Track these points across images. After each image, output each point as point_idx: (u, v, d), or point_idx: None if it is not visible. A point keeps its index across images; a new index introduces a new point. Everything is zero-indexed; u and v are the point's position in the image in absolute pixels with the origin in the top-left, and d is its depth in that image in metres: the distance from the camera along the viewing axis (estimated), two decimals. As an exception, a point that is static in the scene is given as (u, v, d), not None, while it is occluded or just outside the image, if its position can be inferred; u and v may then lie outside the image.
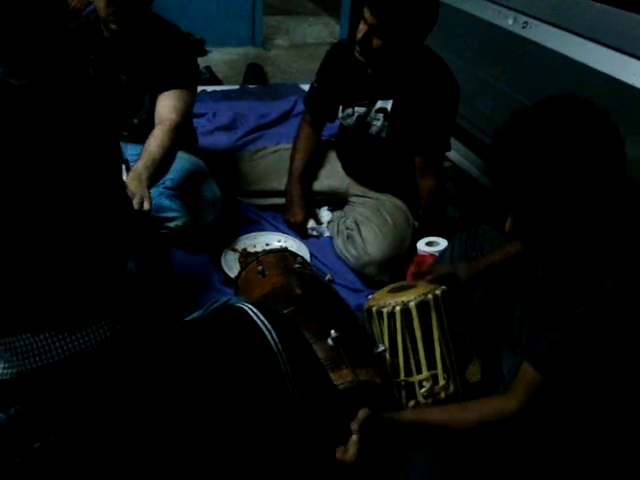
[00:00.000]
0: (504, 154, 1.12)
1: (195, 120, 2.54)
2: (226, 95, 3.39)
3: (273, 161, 2.43)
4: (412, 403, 1.47)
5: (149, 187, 1.68)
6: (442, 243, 1.99)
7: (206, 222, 2.10)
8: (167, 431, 0.57)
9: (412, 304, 1.50)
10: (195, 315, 0.75)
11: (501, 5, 2.46)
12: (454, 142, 2.49)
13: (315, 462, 0.70)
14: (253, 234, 2.21)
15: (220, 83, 3.80)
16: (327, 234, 2.29)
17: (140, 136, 1.92)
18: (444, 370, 1.48)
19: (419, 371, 1.49)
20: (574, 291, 1.15)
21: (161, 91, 1.95)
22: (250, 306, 0.70)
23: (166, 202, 1.97)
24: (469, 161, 2.86)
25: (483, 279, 1.60)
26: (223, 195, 2.20)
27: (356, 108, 2.10)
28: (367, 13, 1.82)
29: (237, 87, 3.63)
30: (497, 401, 1.22)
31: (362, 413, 1.06)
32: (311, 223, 2.28)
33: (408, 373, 1.49)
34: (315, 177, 2.33)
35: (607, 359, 1.13)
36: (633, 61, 1.82)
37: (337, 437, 0.80)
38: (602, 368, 1.14)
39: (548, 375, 1.14)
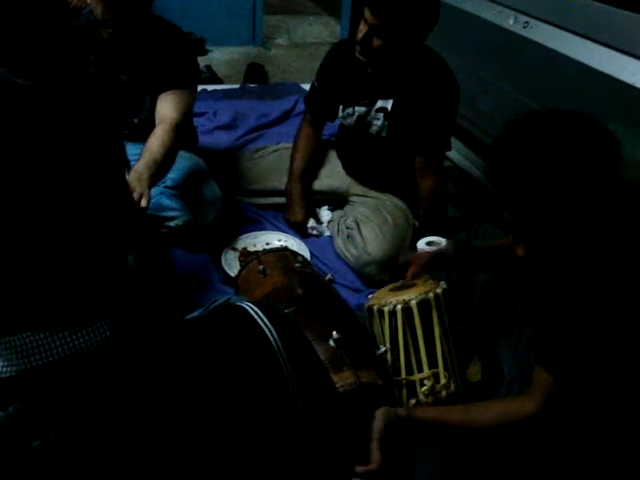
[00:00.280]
0: (501, 172, 1.14)
1: (195, 119, 2.54)
2: (227, 94, 3.38)
3: (273, 160, 2.43)
4: (413, 402, 1.47)
5: (150, 186, 1.68)
6: (442, 243, 1.99)
7: (206, 221, 2.10)
8: (167, 430, 0.57)
9: (413, 302, 1.50)
10: (195, 314, 0.75)
11: (502, 5, 2.46)
12: (454, 142, 2.48)
13: (315, 462, 0.70)
14: (253, 233, 2.21)
15: (221, 82, 3.80)
16: (327, 233, 2.29)
17: (141, 136, 1.92)
18: (445, 369, 1.48)
19: (420, 369, 1.49)
20: (572, 294, 1.16)
21: (161, 91, 1.95)
22: (251, 305, 0.70)
23: (166, 201, 1.97)
24: (469, 161, 2.86)
25: (477, 262, 1.60)
26: (223, 194, 2.20)
27: (356, 108, 2.10)
28: (367, 13, 1.82)
29: (237, 86, 3.62)
30: (516, 403, 1.22)
31: (380, 418, 1.06)
32: (311, 222, 2.29)
33: (409, 371, 1.50)
34: (315, 176, 2.33)
35: (617, 359, 1.13)
36: (633, 61, 1.82)
37: (339, 438, 0.80)
38: (611, 369, 1.14)
39: (558, 377, 1.14)
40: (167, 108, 1.92)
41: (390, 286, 1.69)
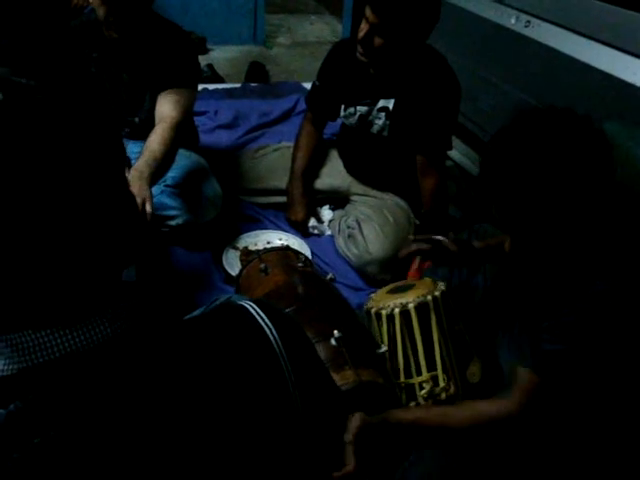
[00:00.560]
0: (493, 175, 1.14)
1: (196, 118, 2.54)
2: (228, 93, 3.38)
3: (275, 159, 2.43)
4: (412, 405, 1.47)
5: (150, 185, 1.68)
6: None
7: (207, 220, 2.10)
8: (167, 428, 0.57)
9: (411, 306, 1.48)
10: (196, 313, 0.75)
11: (504, 4, 2.46)
12: (456, 141, 2.49)
13: (315, 461, 0.70)
14: (254, 232, 2.21)
15: (222, 81, 3.80)
16: (328, 233, 2.29)
17: (141, 134, 1.92)
18: (444, 371, 1.47)
19: (419, 373, 1.48)
20: (562, 292, 1.16)
21: (162, 89, 1.95)
22: (252, 304, 0.70)
23: (167, 200, 1.97)
24: (471, 160, 2.86)
25: (477, 259, 1.59)
26: (224, 193, 2.19)
27: (358, 107, 2.10)
28: (369, 12, 1.82)
29: (239, 85, 3.62)
30: (494, 403, 1.22)
31: (354, 421, 1.07)
32: (312, 222, 2.29)
33: (408, 375, 1.49)
34: (317, 175, 2.33)
35: (599, 358, 1.13)
36: (635, 60, 1.82)
37: (337, 438, 0.80)
38: (596, 367, 1.14)
39: (542, 375, 1.14)
40: (167, 107, 1.93)
41: (388, 287, 1.68)
